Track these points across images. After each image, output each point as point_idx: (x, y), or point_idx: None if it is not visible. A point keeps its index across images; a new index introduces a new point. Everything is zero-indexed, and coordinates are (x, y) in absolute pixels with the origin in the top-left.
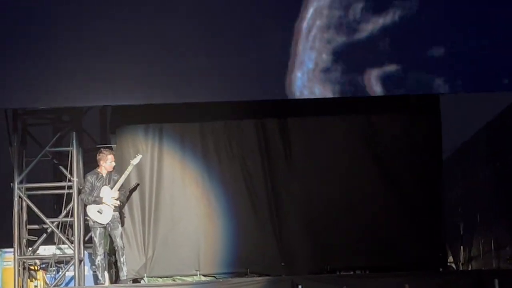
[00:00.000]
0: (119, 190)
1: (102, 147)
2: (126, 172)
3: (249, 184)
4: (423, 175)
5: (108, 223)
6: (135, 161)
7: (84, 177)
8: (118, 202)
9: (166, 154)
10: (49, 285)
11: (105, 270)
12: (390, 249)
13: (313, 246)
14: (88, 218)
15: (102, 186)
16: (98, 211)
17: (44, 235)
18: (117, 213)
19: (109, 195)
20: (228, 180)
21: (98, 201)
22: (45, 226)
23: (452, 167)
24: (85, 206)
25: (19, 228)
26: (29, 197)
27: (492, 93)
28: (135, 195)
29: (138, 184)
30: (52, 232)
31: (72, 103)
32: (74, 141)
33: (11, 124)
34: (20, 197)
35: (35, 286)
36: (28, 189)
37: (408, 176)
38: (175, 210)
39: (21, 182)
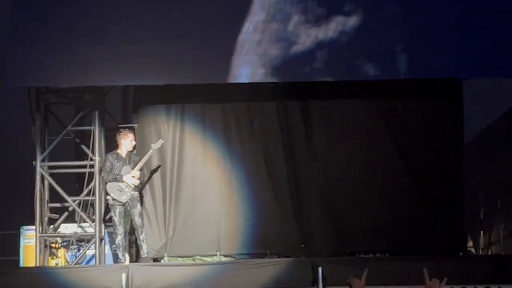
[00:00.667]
0: (139, 170)
1: (123, 127)
2: (147, 155)
3: (270, 166)
4: (444, 159)
5: (127, 202)
6: (156, 145)
7: (104, 156)
8: (138, 182)
9: (187, 134)
10: (70, 263)
11: (125, 249)
12: (409, 233)
13: (333, 228)
14: (108, 197)
15: (123, 166)
16: (118, 189)
17: (66, 213)
18: (136, 192)
19: (130, 174)
20: (249, 161)
21: (118, 179)
22: (66, 204)
23: (473, 152)
24: (105, 184)
25: (41, 206)
26: (51, 175)
27: None
28: (156, 175)
29: (159, 166)
30: (74, 210)
31: (94, 83)
32: (96, 120)
33: (34, 103)
34: (42, 175)
35: (56, 263)
36: (50, 167)
37: (428, 160)
38: (196, 190)
39: (43, 161)
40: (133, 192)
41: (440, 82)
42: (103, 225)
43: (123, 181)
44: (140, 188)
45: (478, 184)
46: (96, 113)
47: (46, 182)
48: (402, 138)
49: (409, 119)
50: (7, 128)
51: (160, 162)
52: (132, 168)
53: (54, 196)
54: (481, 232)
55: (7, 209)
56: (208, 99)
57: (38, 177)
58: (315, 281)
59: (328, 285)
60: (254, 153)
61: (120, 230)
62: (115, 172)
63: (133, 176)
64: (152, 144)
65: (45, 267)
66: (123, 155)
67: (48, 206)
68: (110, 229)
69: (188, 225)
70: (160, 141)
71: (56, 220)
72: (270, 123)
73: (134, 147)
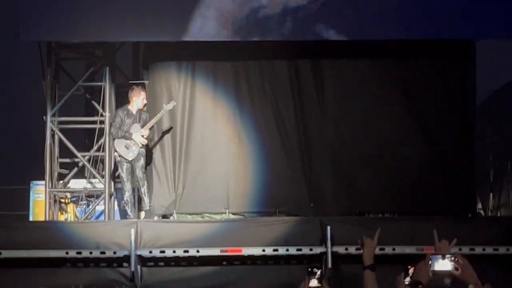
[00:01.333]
0: (149, 129)
1: (134, 83)
2: (158, 115)
3: (280, 125)
4: (455, 120)
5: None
6: (168, 106)
7: (115, 112)
8: (145, 141)
9: (198, 92)
10: (79, 218)
11: (134, 205)
12: (419, 194)
13: (342, 188)
14: (114, 153)
15: (133, 123)
16: (126, 146)
17: (75, 169)
18: (143, 149)
19: (139, 133)
20: (259, 120)
21: (127, 136)
22: (76, 160)
23: (485, 113)
24: (113, 140)
25: (51, 161)
26: (61, 131)
27: None
28: (167, 132)
29: (171, 128)
30: (83, 166)
31: (105, 38)
32: (107, 76)
33: (45, 58)
34: (52, 130)
35: (66, 219)
36: (60, 122)
37: (440, 121)
38: (205, 148)
39: (53, 116)
40: (140, 149)
41: (454, 42)
42: (112, 182)
43: (131, 139)
44: (149, 147)
45: (489, 145)
46: (107, 69)
47: (56, 137)
48: (414, 98)
49: (422, 79)
50: (18, 83)
51: (170, 120)
52: (142, 127)
53: (64, 151)
54: (491, 194)
55: (17, 164)
56: (219, 57)
57: (48, 132)
58: (323, 240)
59: (336, 244)
60: (264, 112)
61: (128, 186)
62: (125, 129)
63: (142, 135)
64: (164, 105)
65: (55, 221)
66: (134, 112)
67: (58, 162)
68: (120, 185)
69: (198, 182)
70: (173, 103)
71: (66, 175)
72: (281, 82)
73: (145, 105)
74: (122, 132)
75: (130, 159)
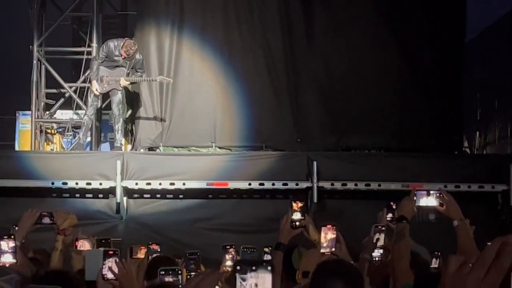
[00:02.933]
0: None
1: (122, 14)
2: (144, 78)
3: (268, 60)
4: (444, 57)
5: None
6: (161, 78)
7: (104, 43)
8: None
9: (186, 25)
10: (65, 149)
11: (88, 130)
12: (406, 131)
13: (329, 124)
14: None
15: (116, 67)
16: (100, 78)
17: (62, 99)
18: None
19: (119, 75)
20: (248, 54)
21: (101, 79)
22: (63, 90)
23: (473, 51)
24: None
25: (37, 91)
26: (48, 61)
27: None
28: (154, 64)
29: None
30: (70, 97)
31: None
32: (95, 7)
33: None
34: (39, 60)
35: (51, 149)
36: (47, 52)
37: (429, 56)
38: (193, 82)
39: (40, 45)
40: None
41: None
42: (99, 113)
43: (105, 80)
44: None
45: (477, 84)
46: None
47: (43, 68)
48: (403, 35)
49: (411, 14)
50: (4, 11)
51: (158, 52)
52: (127, 74)
53: (51, 82)
54: (477, 132)
55: (3, 94)
56: None
57: (34, 62)
58: (309, 175)
59: (322, 179)
60: (253, 46)
61: (90, 111)
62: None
63: (120, 84)
64: (159, 76)
65: (40, 151)
66: (121, 59)
67: (44, 92)
68: (106, 117)
69: (184, 116)
70: (169, 79)
71: (52, 106)
72: (270, 15)
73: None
74: (97, 75)
75: (99, 91)
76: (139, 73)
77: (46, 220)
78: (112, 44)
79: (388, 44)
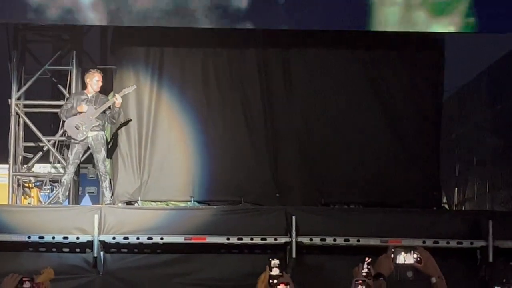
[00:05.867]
0: (103, 112)
1: (101, 68)
2: (117, 96)
3: (247, 114)
4: (423, 114)
5: (90, 144)
6: (128, 89)
7: (70, 96)
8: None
9: (165, 78)
10: (43, 203)
11: (67, 190)
12: (385, 186)
13: (308, 178)
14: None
15: (87, 104)
16: (75, 127)
17: (40, 153)
18: (101, 133)
19: (91, 113)
20: (226, 108)
21: (73, 112)
22: (41, 144)
23: (452, 108)
24: (64, 122)
25: (15, 144)
26: (26, 114)
27: (496, 36)
28: (133, 117)
29: (130, 120)
30: (48, 150)
31: (72, 22)
32: (74, 61)
33: (11, 39)
34: (17, 113)
35: (29, 203)
36: (25, 106)
37: (407, 114)
38: (171, 135)
39: (18, 99)
40: (96, 133)
41: (424, 35)
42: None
43: (78, 113)
44: (103, 128)
45: (455, 139)
46: (74, 53)
47: (21, 121)
48: (382, 90)
49: (390, 72)
50: None
51: (137, 106)
52: (97, 108)
53: (29, 135)
54: (456, 188)
55: None
56: (187, 44)
57: (13, 116)
58: (288, 230)
59: (301, 235)
60: (231, 101)
61: (70, 169)
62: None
63: (92, 116)
64: (124, 88)
65: (17, 205)
66: (89, 96)
67: (22, 145)
68: (85, 171)
69: (163, 170)
70: (132, 87)
71: (30, 159)
72: (249, 71)
73: (100, 89)
74: (70, 114)
75: (79, 139)
76: (103, 98)
77: (27, 284)
78: (74, 95)
79: (366, 100)
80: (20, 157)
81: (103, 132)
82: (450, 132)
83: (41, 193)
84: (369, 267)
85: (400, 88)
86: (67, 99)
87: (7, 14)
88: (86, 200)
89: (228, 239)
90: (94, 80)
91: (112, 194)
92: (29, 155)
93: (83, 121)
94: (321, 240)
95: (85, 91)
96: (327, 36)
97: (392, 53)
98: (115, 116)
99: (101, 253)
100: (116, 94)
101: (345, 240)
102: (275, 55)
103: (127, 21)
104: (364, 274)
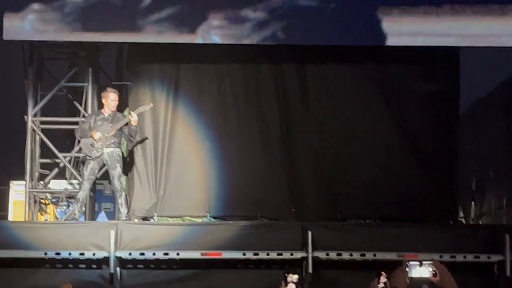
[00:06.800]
0: (118, 129)
1: (117, 85)
2: (133, 114)
3: (263, 129)
4: (439, 128)
5: (106, 161)
6: (144, 108)
7: (87, 115)
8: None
9: (181, 94)
10: (59, 219)
11: (83, 206)
12: (401, 201)
13: (325, 193)
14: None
15: (103, 123)
16: (91, 144)
17: (56, 169)
18: (117, 149)
19: (106, 130)
20: (243, 124)
21: (88, 135)
22: (57, 160)
23: (468, 121)
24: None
25: (31, 161)
26: (43, 131)
27: None
28: (149, 135)
29: (154, 131)
30: (64, 167)
31: (89, 38)
32: (90, 77)
33: (28, 57)
34: (33, 130)
35: (45, 219)
36: (41, 122)
37: (423, 128)
38: (187, 151)
39: (35, 116)
40: (112, 149)
41: (438, 49)
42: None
43: (91, 136)
44: (119, 145)
45: (472, 154)
46: (90, 70)
47: (37, 137)
48: (398, 105)
49: (406, 86)
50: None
51: (153, 122)
52: (112, 125)
53: (45, 151)
54: (472, 202)
55: None
56: (203, 60)
57: (29, 132)
58: (304, 245)
59: (317, 249)
60: (248, 116)
61: (85, 186)
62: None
63: (107, 134)
64: (140, 106)
65: (34, 221)
66: (106, 115)
67: (38, 162)
68: (101, 187)
69: (179, 185)
70: (149, 105)
71: (47, 176)
72: (265, 86)
73: (116, 107)
74: (84, 134)
75: (94, 156)
76: (120, 116)
77: None
78: (91, 115)
79: (382, 114)
80: (37, 174)
81: (118, 149)
82: (466, 145)
83: (58, 210)
84: (385, 281)
85: (415, 102)
86: (84, 116)
87: (24, 33)
88: (102, 216)
89: (244, 254)
90: (109, 100)
91: (128, 211)
92: (45, 172)
93: (99, 138)
94: (337, 255)
95: (102, 111)
96: (342, 51)
97: (407, 66)
98: (133, 134)
99: (118, 269)
100: (131, 112)
101: (361, 255)
102: (291, 70)
103: None
104: None
